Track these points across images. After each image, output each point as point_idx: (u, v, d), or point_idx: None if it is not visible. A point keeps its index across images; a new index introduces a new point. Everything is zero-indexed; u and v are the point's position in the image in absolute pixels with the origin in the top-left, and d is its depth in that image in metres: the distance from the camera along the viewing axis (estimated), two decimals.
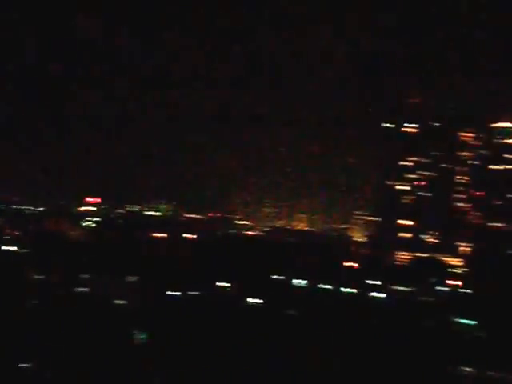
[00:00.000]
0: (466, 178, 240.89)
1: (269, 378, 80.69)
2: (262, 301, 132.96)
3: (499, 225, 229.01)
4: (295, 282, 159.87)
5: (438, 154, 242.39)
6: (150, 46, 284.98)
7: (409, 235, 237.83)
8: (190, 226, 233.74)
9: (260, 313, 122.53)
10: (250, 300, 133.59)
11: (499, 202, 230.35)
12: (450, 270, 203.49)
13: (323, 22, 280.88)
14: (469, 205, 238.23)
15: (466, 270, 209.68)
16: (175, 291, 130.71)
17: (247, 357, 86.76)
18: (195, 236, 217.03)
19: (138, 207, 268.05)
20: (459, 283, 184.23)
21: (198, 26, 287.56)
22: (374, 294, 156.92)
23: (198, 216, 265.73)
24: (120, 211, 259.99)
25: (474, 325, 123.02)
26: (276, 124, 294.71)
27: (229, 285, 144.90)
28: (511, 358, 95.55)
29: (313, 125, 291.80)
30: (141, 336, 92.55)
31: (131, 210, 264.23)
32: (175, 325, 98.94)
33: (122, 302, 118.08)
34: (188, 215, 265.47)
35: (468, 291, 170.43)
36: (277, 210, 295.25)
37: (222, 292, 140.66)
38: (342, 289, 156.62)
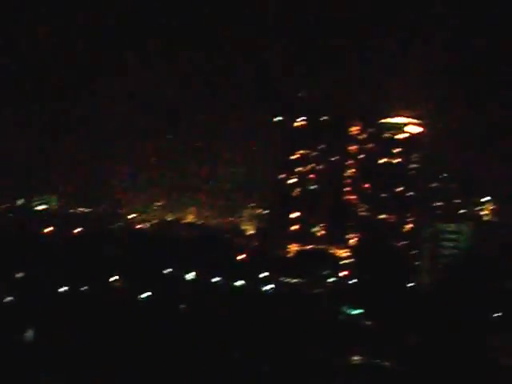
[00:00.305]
0: (353, 171, 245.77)
1: (160, 371, 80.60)
2: (152, 295, 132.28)
3: (385, 216, 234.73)
4: (186, 275, 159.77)
5: (326, 147, 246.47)
6: None
7: (298, 227, 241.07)
8: (78, 220, 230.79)
9: (151, 307, 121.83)
10: (140, 294, 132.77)
11: (385, 195, 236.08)
12: (338, 260, 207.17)
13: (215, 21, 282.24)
14: (356, 197, 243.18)
15: (352, 260, 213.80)
16: (65, 287, 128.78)
17: (138, 352, 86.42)
18: (84, 230, 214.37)
19: (26, 201, 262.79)
20: (346, 273, 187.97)
21: None
22: (264, 286, 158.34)
23: (87, 210, 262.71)
24: (6, 205, 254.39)
25: (361, 314, 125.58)
26: (166, 118, 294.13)
27: (119, 279, 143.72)
28: (396, 345, 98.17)
29: (205, 119, 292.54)
30: (31, 333, 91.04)
31: (18, 203, 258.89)
32: (66, 321, 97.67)
33: (9, 298, 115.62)
34: (77, 209, 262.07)
35: (354, 281, 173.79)
36: (167, 203, 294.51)
37: (113, 287, 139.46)
38: (233, 281, 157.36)
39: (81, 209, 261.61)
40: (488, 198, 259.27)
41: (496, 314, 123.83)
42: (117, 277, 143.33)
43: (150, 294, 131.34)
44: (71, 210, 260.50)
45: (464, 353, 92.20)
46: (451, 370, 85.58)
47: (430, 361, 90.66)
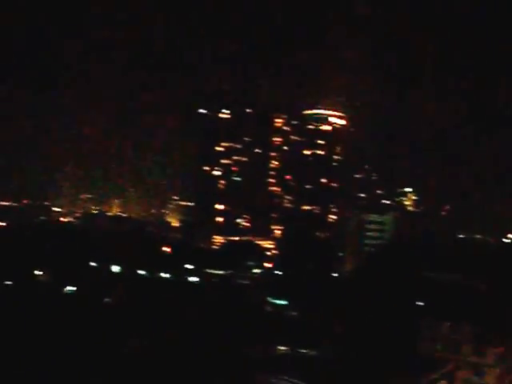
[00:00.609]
0: (277, 162, 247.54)
1: (86, 366, 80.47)
2: (78, 288, 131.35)
3: (309, 208, 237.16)
4: (112, 268, 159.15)
5: (250, 139, 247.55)
6: None
7: (223, 219, 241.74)
8: (3, 214, 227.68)
9: (76, 300, 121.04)
10: (66, 288, 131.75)
11: (309, 186, 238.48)
12: (263, 252, 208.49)
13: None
14: (280, 189, 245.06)
15: (276, 252, 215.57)
16: None
17: (63, 345, 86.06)
18: (6, 223, 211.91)
19: None
20: (271, 265, 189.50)
21: None
22: (189, 278, 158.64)
23: (11, 203, 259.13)
24: None
25: (286, 305, 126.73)
26: (91, 112, 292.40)
27: (43, 273, 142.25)
28: (321, 335, 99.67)
29: (130, 113, 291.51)
30: None
31: None
32: None
33: None
34: (1, 203, 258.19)
35: (278, 272, 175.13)
36: (91, 196, 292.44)
37: (38, 280, 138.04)
38: (159, 274, 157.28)
39: (5, 202, 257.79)
40: (409, 188, 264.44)
41: (419, 302, 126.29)
42: (41, 271, 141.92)
43: (75, 287, 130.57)
44: None
45: (388, 340, 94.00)
46: (376, 358, 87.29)
47: (355, 350, 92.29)
